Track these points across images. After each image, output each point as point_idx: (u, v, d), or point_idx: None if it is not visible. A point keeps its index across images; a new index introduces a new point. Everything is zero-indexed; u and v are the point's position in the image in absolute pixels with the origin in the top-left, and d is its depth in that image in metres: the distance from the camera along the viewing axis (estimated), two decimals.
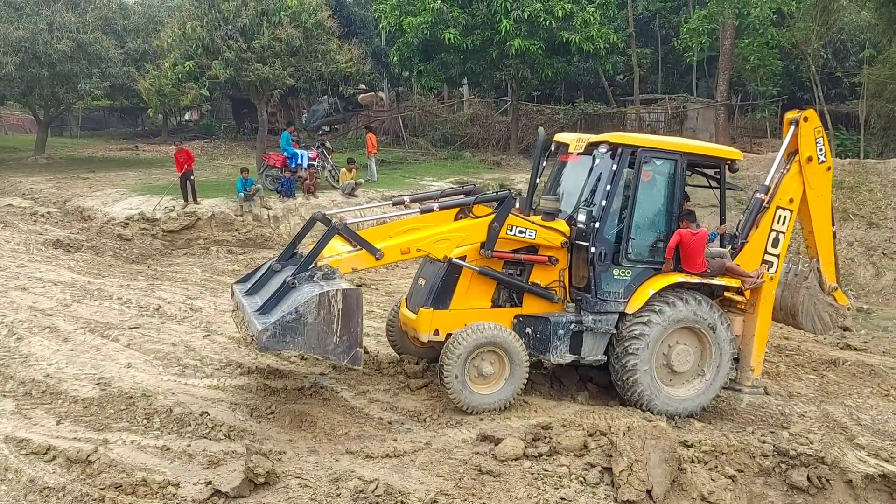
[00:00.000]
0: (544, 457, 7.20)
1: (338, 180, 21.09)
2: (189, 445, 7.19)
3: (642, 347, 8.51)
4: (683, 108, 33.50)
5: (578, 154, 9.22)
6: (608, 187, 8.52)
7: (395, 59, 28.93)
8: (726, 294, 9.20)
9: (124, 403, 8.03)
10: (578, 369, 9.48)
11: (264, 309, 7.47)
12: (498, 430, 7.72)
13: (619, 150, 8.60)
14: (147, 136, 39.12)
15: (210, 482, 6.47)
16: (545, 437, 7.50)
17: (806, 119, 9.35)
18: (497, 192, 9.22)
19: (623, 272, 8.64)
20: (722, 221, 9.52)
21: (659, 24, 36.84)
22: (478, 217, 8.67)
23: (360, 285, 13.44)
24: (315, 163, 20.88)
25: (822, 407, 9.50)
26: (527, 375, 8.45)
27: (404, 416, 8.21)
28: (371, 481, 6.53)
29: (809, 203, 9.52)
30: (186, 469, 6.79)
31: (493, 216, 8.51)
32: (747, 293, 9.17)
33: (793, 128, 9.41)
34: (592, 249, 8.48)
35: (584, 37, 25.98)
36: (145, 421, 7.70)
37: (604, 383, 9.49)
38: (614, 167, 8.54)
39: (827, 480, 7.58)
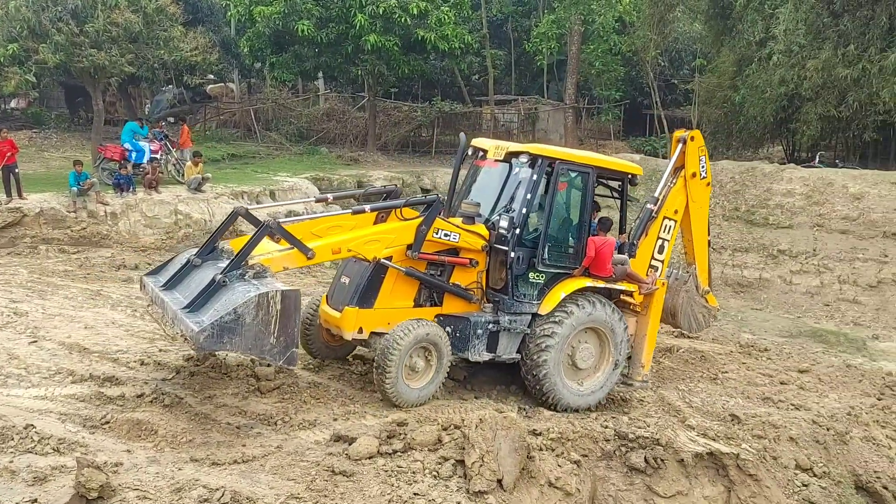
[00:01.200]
0: (399, 453, 7.20)
1: (183, 174, 20.03)
2: (11, 462, 6.54)
3: (553, 346, 8.91)
4: (535, 110, 34.74)
5: (496, 161, 9.46)
6: (528, 196, 8.94)
7: (246, 49, 27.91)
8: (622, 297, 9.74)
9: None
10: None
11: (193, 307, 7.25)
12: (352, 429, 7.64)
13: (539, 160, 8.98)
14: None
15: (35, 500, 5.93)
16: (400, 434, 7.49)
17: (692, 139, 10.26)
18: (426, 197, 9.55)
19: (538, 276, 9.08)
20: (622, 230, 10.09)
21: (512, 27, 37.96)
22: (406, 220, 8.84)
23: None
24: (158, 156, 19.73)
25: (658, 392, 10.14)
26: (448, 370, 8.80)
27: (254, 420, 7.91)
28: (217, 489, 6.24)
29: (691, 214, 10.44)
30: (8, 487, 6.17)
31: (420, 219, 8.66)
32: (638, 297, 9.76)
33: (680, 145, 10.26)
34: (512, 254, 8.83)
35: (439, 35, 26.24)
36: None
37: (459, 378, 9.67)
38: (534, 177, 8.94)
39: (662, 461, 8.09)
